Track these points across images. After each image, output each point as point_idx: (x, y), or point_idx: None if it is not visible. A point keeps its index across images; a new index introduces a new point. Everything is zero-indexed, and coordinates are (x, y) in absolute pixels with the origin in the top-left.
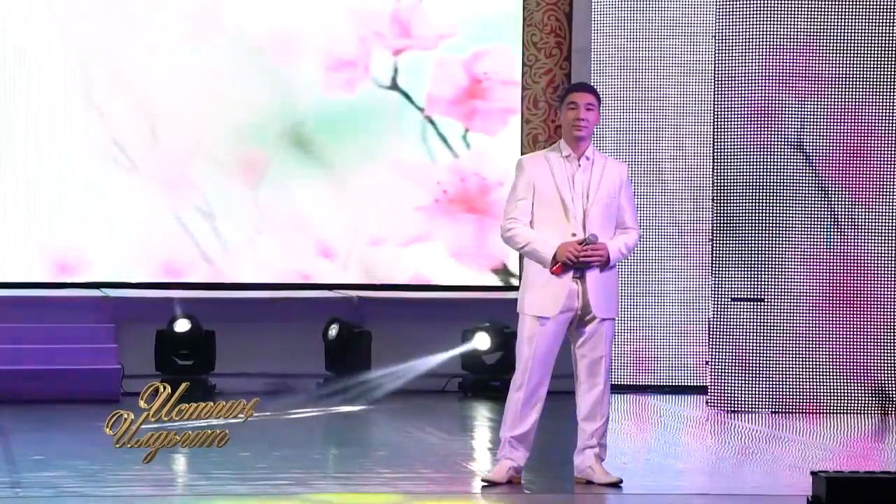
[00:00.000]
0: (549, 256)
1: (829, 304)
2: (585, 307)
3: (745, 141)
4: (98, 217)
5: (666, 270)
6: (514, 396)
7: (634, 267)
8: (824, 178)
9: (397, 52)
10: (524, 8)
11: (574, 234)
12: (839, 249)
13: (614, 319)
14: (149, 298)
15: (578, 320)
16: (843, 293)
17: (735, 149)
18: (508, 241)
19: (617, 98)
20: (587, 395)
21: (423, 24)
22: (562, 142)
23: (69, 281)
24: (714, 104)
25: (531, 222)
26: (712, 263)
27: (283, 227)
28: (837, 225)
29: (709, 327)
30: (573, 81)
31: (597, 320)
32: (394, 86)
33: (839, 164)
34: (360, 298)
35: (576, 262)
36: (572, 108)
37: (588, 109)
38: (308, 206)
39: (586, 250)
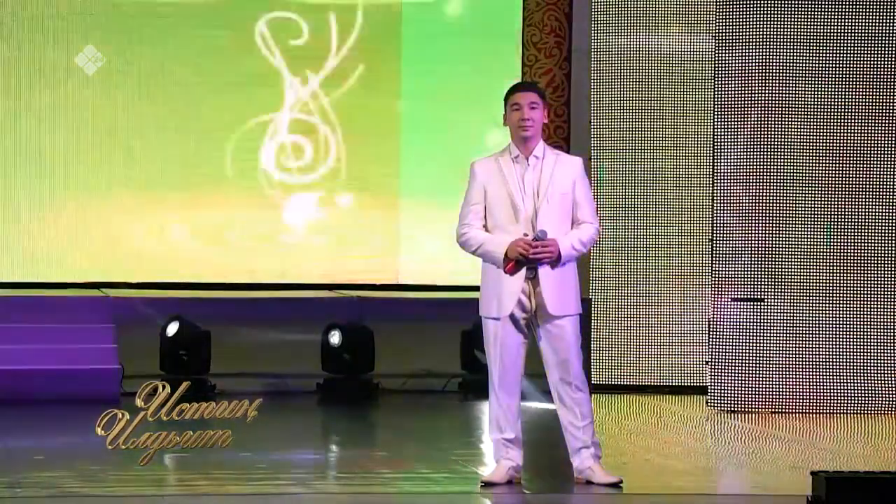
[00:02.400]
0: (501, 255)
1: (829, 304)
2: (540, 307)
3: (744, 142)
4: (105, 221)
5: (666, 270)
6: (494, 401)
7: (634, 267)
8: (824, 178)
9: None
10: (524, 8)
11: (525, 235)
12: (839, 249)
13: (576, 316)
14: (149, 298)
15: (538, 321)
16: (843, 293)
17: (734, 149)
18: (463, 245)
19: (617, 98)
20: (563, 396)
21: None
22: (511, 143)
23: (69, 281)
24: (714, 104)
25: (485, 226)
26: (712, 263)
27: None
28: (837, 225)
29: (709, 327)
30: (573, 82)
31: (556, 319)
32: None
33: (839, 163)
34: (361, 298)
35: (527, 258)
36: (516, 110)
37: (532, 108)
38: None
39: (536, 247)
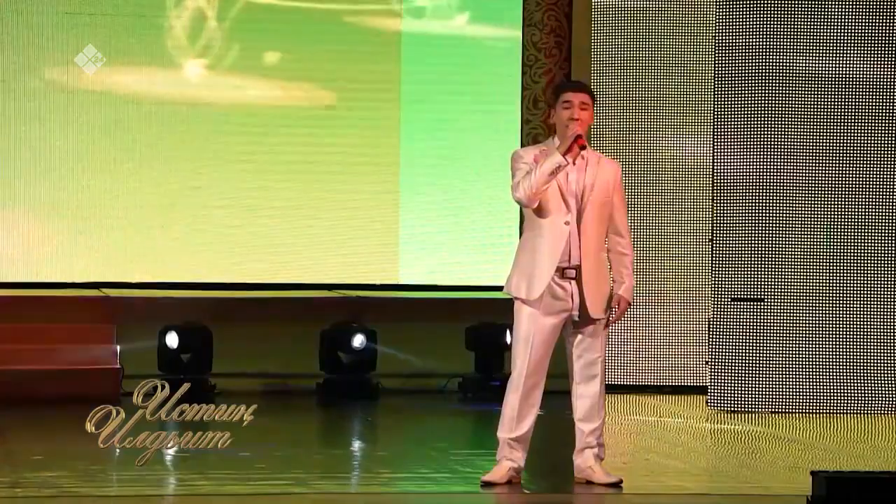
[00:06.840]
0: (559, 155)
1: (829, 303)
2: (583, 308)
3: (744, 141)
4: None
5: (666, 270)
6: (512, 398)
7: (634, 267)
8: (824, 178)
9: None
10: (524, 8)
11: (567, 223)
12: (839, 249)
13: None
14: (149, 298)
15: (573, 323)
16: (843, 293)
17: (734, 149)
18: (526, 190)
19: (616, 98)
20: (584, 396)
21: None
22: (555, 139)
23: (69, 281)
24: (714, 104)
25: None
26: (712, 263)
27: None
28: (837, 225)
29: (709, 327)
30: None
31: (595, 320)
32: None
33: (839, 163)
34: (361, 298)
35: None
36: (567, 108)
37: (583, 108)
38: None
39: (618, 315)
